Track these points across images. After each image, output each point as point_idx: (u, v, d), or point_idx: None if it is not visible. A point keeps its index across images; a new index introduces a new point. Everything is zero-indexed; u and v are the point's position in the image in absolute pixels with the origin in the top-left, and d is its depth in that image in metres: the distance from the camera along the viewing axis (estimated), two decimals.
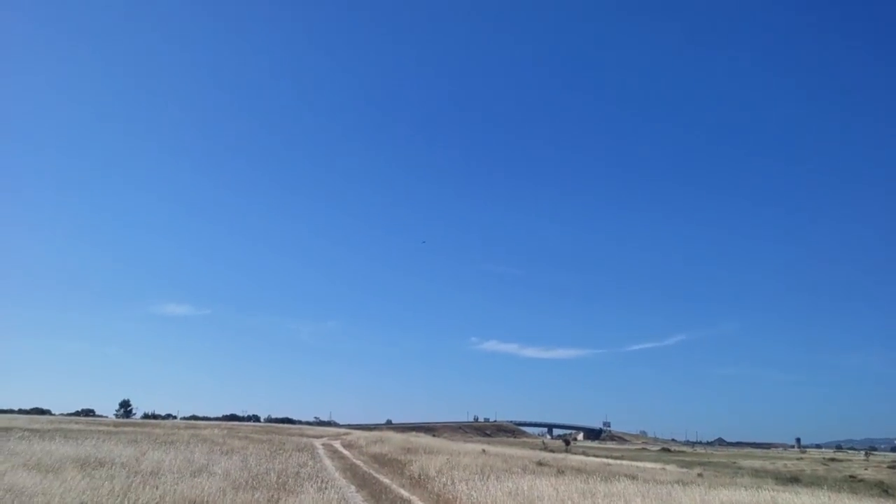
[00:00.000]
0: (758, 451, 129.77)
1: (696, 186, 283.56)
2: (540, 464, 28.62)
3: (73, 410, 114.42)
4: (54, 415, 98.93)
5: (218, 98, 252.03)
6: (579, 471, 24.43)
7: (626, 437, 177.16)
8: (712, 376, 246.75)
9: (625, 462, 42.40)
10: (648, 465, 40.86)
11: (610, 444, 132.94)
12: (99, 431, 34.91)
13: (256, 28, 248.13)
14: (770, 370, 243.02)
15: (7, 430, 31.77)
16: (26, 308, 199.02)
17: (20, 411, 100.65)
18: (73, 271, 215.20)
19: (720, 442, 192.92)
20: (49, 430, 33.20)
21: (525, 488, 15.68)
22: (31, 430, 32.04)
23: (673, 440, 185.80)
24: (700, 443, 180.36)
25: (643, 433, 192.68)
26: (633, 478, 22.37)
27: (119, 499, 10.13)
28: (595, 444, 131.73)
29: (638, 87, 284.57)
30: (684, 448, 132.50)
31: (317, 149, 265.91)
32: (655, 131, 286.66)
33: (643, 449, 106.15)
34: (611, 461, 42.16)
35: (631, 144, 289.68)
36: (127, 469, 14.36)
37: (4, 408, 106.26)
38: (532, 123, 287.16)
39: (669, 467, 38.43)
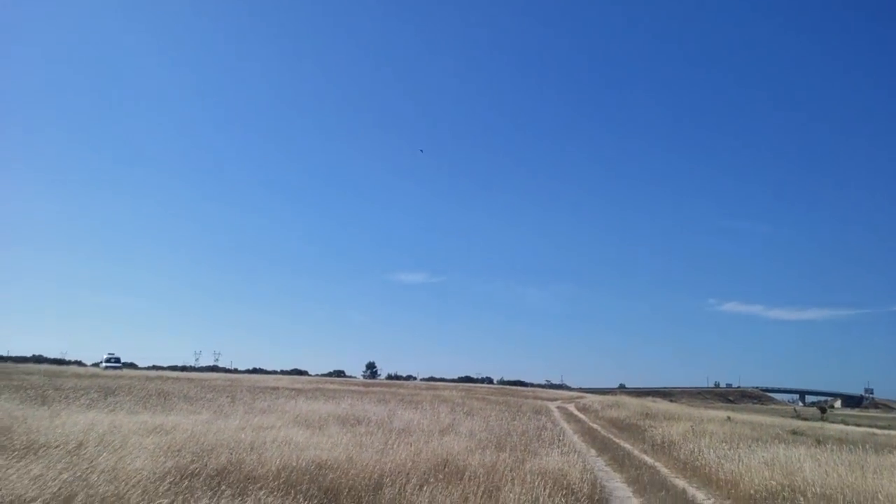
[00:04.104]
0: None
1: None
2: (794, 432, 26.01)
3: (326, 371, 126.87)
4: (311, 375, 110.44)
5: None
6: (841, 441, 21.72)
7: (893, 405, 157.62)
8: None
9: (894, 432, 37.43)
10: None
11: (873, 412, 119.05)
12: (351, 391, 37.67)
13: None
14: None
15: (275, 389, 35.53)
16: (283, 280, 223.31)
17: (282, 372, 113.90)
18: (319, 244, 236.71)
19: None
20: (309, 390, 36.58)
21: (781, 458, 14.16)
22: (295, 390, 35.44)
23: None
24: None
25: None
26: None
27: (379, 454, 10.64)
28: (856, 411, 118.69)
29: None
30: None
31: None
32: None
33: None
34: (877, 431, 37.35)
35: None
36: (381, 427, 15.20)
37: (269, 369, 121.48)
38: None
39: None
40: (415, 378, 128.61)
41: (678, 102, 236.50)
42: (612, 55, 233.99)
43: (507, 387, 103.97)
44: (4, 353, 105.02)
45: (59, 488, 6.91)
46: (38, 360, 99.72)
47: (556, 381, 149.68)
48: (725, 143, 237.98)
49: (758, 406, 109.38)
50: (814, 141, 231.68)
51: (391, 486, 8.80)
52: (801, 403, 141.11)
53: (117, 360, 74.80)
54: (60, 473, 7.44)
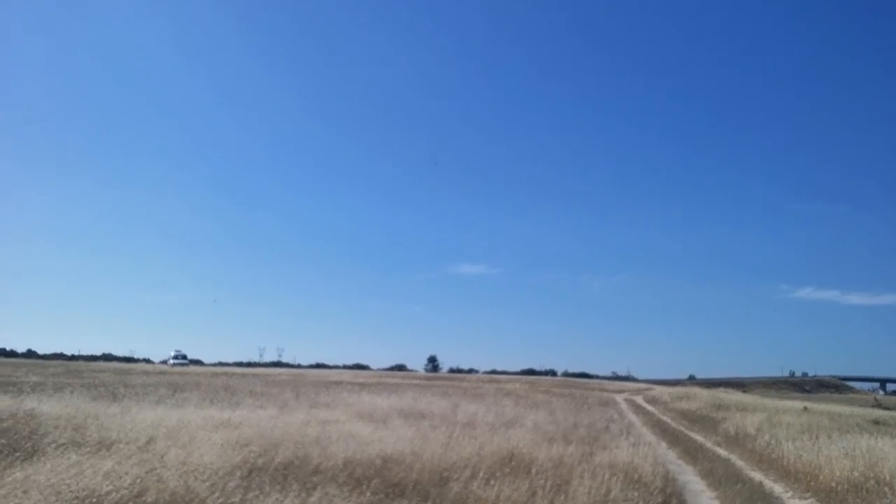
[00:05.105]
0: None
1: None
2: (876, 422, 24.90)
3: (387, 365, 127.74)
4: (373, 369, 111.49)
5: None
6: None
7: None
8: None
9: None
10: None
11: None
12: (413, 385, 37.81)
13: None
14: None
15: (338, 383, 35.95)
16: (344, 274, 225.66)
17: (344, 367, 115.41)
18: (378, 237, 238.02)
19: None
20: (372, 384, 36.90)
21: (863, 448, 13.46)
22: (357, 384, 35.76)
23: None
24: None
25: None
26: None
27: (443, 448, 10.52)
28: None
29: None
30: None
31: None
32: None
33: None
34: None
35: None
36: (445, 421, 15.08)
37: (331, 364, 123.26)
38: None
39: None
40: (476, 371, 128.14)
41: (743, 79, 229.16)
42: (675, 29, 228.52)
43: (572, 379, 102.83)
44: (76, 353, 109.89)
45: (132, 483, 7.01)
46: (108, 358, 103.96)
47: (622, 372, 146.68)
48: (796, 121, 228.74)
49: (835, 396, 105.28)
50: (888, 116, 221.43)
51: (457, 480, 8.67)
52: (881, 392, 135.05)
53: (184, 356, 77.16)
54: (132, 468, 7.58)
